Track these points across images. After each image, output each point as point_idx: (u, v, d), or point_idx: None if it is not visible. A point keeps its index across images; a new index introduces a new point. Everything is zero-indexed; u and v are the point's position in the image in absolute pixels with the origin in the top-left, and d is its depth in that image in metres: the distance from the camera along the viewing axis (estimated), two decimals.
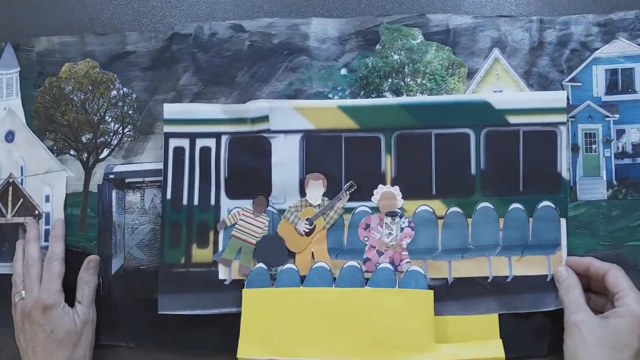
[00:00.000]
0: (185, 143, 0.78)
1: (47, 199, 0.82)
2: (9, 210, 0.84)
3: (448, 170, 0.75)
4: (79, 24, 0.85)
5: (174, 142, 0.78)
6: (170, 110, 0.78)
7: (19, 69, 0.85)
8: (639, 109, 0.75)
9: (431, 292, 0.72)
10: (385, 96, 0.78)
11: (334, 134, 0.76)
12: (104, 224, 0.81)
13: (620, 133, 0.75)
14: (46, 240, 0.82)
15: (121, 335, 0.80)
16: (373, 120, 0.76)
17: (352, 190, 0.76)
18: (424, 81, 0.78)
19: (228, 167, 0.78)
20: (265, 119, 0.77)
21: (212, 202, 0.78)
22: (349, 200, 0.76)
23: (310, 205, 0.77)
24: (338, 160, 0.76)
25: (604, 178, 0.75)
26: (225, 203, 0.78)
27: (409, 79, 0.78)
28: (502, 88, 0.77)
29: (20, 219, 0.84)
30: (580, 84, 0.76)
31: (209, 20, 0.82)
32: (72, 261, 0.80)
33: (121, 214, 0.81)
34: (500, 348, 0.72)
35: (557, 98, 0.74)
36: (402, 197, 0.76)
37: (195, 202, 0.78)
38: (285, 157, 0.77)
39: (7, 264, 0.83)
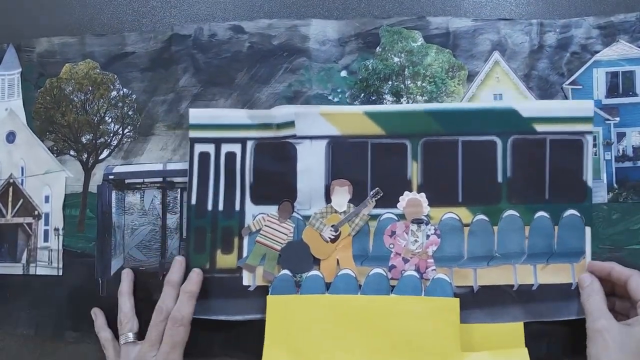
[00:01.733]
0: (210, 148, 0.78)
1: (47, 199, 0.82)
2: (9, 210, 0.84)
3: (474, 178, 0.75)
4: (79, 24, 0.86)
5: (199, 147, 0.78)
6: (196, 115, 0.78)
7: (20, 69, 0.85)
8: None
9: (457, 300, 0.72)
10: (385, 98, 0.78)
11: (360, 140, 0.76)
12: (103, 225, 0.80)
13: (621, 136, 0.75)
14: (45, 240, 0.82)
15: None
16: (400, 126, 0.76)
17: (378, 197, 0.76)
18: (424, 84, 0.78)
19: (253, 173, 0.77)
20: (291, 124, 0.76)
21: (237, 207, 0.77)
22: (375, 207, 0.76)
23: (336, 211, 0.76)
24: (364, 167, 0.76)
25: (605, 181, 0.75)
26: (250, 209, 0.77)
27: (409, 82, 0.78)
28: (502, 91, 0.77)
29: (20, 220, 0.84)
30: (580, 87, 0.76)
31: (208, 20, 0.82)
32: (71, 262, 0.81)
33: (121, 214, 0.81)
34: (525, 357, 0.71)
35: (584, 107, 0.74)
36: (428, 205, 0.75)
37: (220, 207, 0.77)
38: (311, 163, 0.76)
39: (6, 264, 0.84)
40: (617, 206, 0.75)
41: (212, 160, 0.78)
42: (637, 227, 0.74)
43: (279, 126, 0.77)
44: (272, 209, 0.77)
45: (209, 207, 0.77)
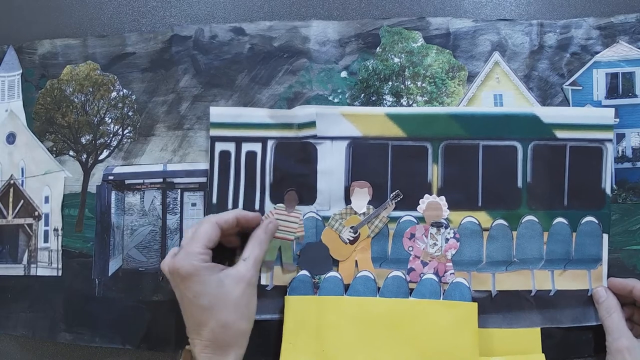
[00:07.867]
0: (231, 147, 0.78)
1: (47, 200, 0.82)
2: (10, 211, 0.84)
3: (495, 182, 0.75)
4: (80, 24, 0.86)
5: (220, 146, 0.78)
6: (217, 113, 0.78)
7: (21, 71, 0.85)
8: (639, 113, 0.75)
9: (475, 304, 0.72)
10: (385, 99, 0.78)
11: (381, 142, 0.76)
12: (102, 225, 0.80)
13: (620, 137, 0.75)
14: (45, 241, 0.82)
15: (117, 337, 0.79)
16: (421, 129, 0.76)
17: (398, 199, 0.76)
18: (424, 84, 0.78)
19: (273, 172, 0.77)
20: (312, 124, 0.76)
21: (257, 206, 0.77)
22: (395, 209, 0.76)
23: (355, 213, 0.76)
24: (384, 169, 0.76)
25: None
26: (270, 208, 0.77)
27: (409, 82, 0.78)
28: (502, 92, 0.77)
29: (21, 221, 0.84)
30: (580, 87, 0.76)
31: (208, 20, 0.83)
32: (69, 263, 0.81)
33: (120, 215, 0.81)
34: None
35: (604, 115, 0.74)
36: (447, 208, 0.75)
37: (240, 206, 0.77)
38: (331, 164, 0.76)
39: (7, 266, 0.84)
40: (616, 207, 0.75)
41: (232, 159, 0.78)
42: (636, 227, 0.74)
43: (300, 126, 0.77)
44: None
45: (230, 206, 0.78)
